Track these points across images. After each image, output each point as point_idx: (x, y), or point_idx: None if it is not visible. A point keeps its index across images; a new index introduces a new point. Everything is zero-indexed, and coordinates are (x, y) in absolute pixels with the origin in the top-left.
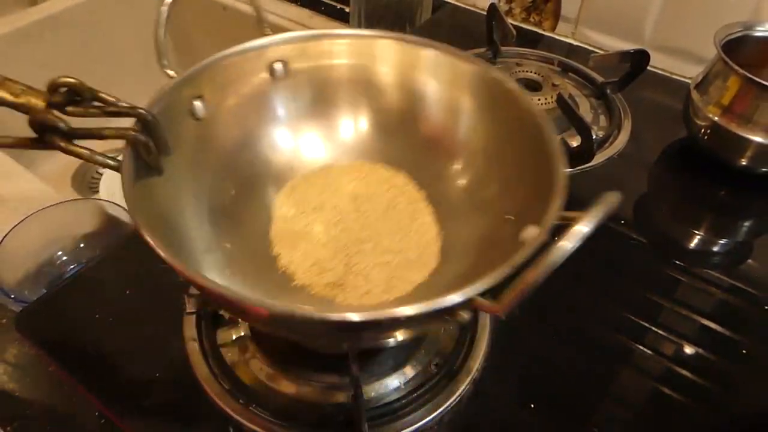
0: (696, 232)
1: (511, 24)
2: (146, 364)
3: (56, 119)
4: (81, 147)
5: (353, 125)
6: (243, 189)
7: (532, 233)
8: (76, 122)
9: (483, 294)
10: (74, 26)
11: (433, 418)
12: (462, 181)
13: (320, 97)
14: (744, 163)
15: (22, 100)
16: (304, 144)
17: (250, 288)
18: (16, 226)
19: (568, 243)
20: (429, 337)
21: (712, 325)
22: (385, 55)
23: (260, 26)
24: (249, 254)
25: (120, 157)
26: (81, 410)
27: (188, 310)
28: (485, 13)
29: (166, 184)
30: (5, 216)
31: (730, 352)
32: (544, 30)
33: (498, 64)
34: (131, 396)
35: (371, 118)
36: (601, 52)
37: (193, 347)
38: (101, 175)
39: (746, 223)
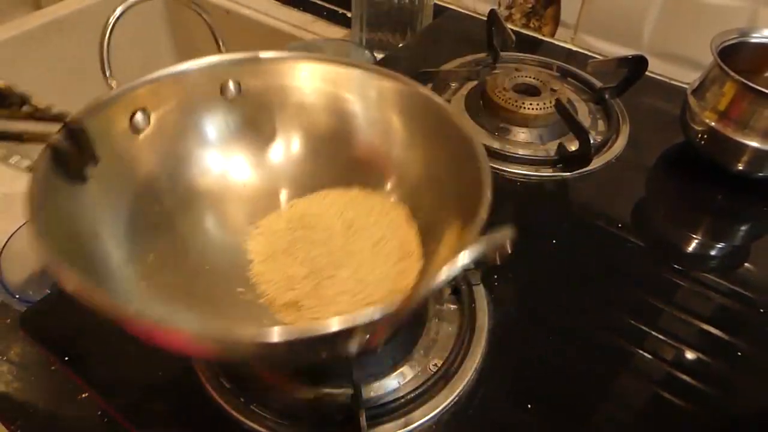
0: (693, 235)
1: (511, 29)
2: (149, 363)
3: None
4: None
5: (285, 148)
6: (172, 203)
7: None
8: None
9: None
10: (79, 30)
11: (431, 418)
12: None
13: (260, 118)
14: (741, 168)
15: None
16: (237, 165)
17: (167, 300)
18: (21, 226)
19: (434, 281)
20: (427, 337)
21: (709, 327)
22: (324, 77)
23: (216, 44)
24: (173, 266)
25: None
26: (84, 410)
27: None
28: (485, 18)
29: (87, 193)
30: (10, 217)
31: (727, 354)
32: (543, 35)
33: (498, 69)
34: (134, 395)
35: (304, 139)
36: (600, 57)
37: None
38: None
39: (743, 227)
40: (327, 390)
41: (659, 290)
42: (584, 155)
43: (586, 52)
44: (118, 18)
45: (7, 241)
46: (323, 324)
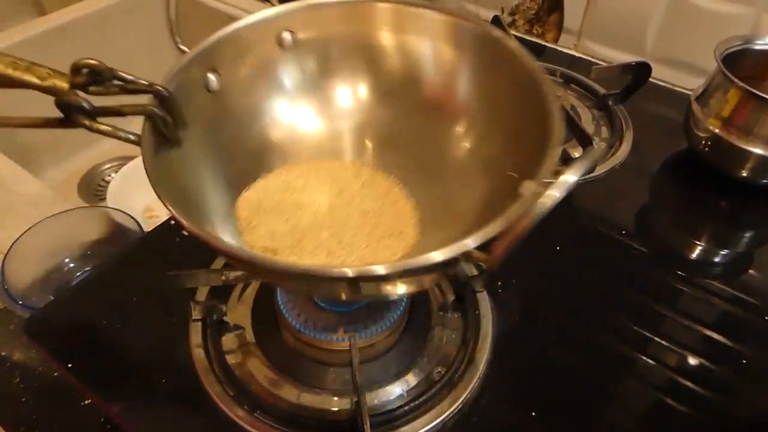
0: (697, 242)
1: (514, 35)
2: (153, 370)
3: (81, 99)
4: (104, 124)
5: (353, 93)
6: (255, 156)
7: (529, 187)
8: (98, 101)
9: (480, 248)
10: (82, 36)
11: (434, 426)
12: (465, 143)
13: (325, 65)
14: (744, 175)
15: (48, 83)
16: (307, 113)
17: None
18: (25, 232)
19: (555, 192)
20: (431, 344)
21: (713, 334)
22: (385, 19)
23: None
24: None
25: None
26: (86, 416)
27: (194, 317)
28: None
29: (184, 155)
30: (14, 223)
31: (731, 361)
32: (546, 42)
33: None
34: (137, 401)
35: (372, 84)
36: (603, 63)
37: (199, 354)
38: (107, 183)
39: (747, 234)
40: (331, 397)
41: (663, 297)
42: None
43: (589, 59)
44: None
45: (10, 248)
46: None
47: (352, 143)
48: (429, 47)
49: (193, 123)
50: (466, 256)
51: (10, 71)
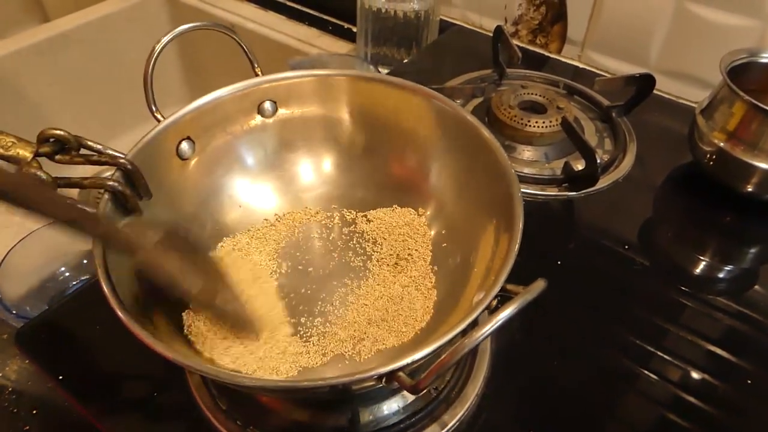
0: (701, 257)
1: (518, 46)
2: (145, 383)
3: (39, 173)
4: (63, 194)
5: (316, 168)
6: (218, 226)
7: (480, 301)
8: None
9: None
10: (85, 43)
11: None
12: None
13: (295, 138)
14: (750, 190)
15: (11, 152)
16: (273, 183)
17: None
18: (20, 241)
19: (486, 328)
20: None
21: (717, 350)
22: (357, 94)
23: (252, 67)
24: None
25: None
26: (80, 427)
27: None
28: (491, 35)
29: (140, 221)
30: (10, 231)
31: (735, 377)
32: (550, 52)
33: (503, 85)
34: (129, 415)
35: (337, 157)
36: (607, 75)
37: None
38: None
39: (752, 250)
40: (325, 413)
41: (666, 312)
42: (591, 175)
43: (593, 70)
44: (163, 48)
45: (4, 257)
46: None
47: (318, 215)
48: (404, 125)
49: (158, 192)
50: (392, 377)
51: None
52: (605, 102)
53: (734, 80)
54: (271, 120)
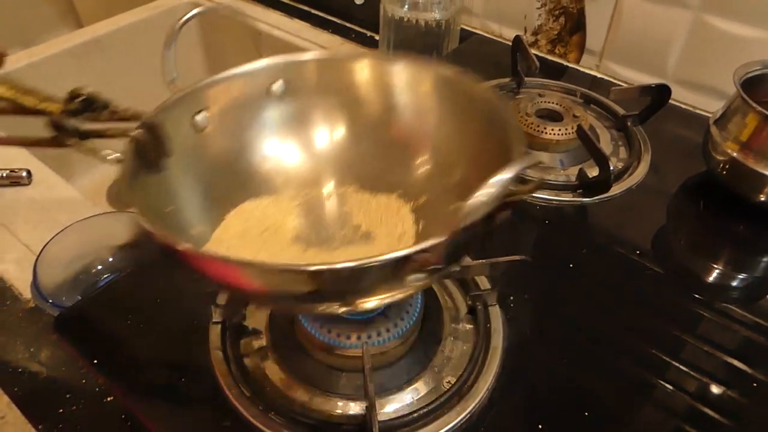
0: (714, 265)
1: (536, 55)
2: (173, 369)
3: (70, 121)
4: (89, 145)
5: (330, 134)
6: (235, 190)
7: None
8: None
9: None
10: (117, 48)
11: None
12: (433, 172)
13: (307, 111)
14: (763, 199)
15: (42, 106)
16: (288, 154)
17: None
18: (56, 234)
19: (490, 189)
20: (442, 354)
21: (727, 358)
22: (363, 71)
23: (258, 51)
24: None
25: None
26: (108, 413)
27: (214, 320)
28: (511, 44)
29: (163, 182)
30: (47, 225)
31: (746, 386)
32: (568, 62)
33: (521, 93)
34: (158, 398)
35: (348, 126)
36: (625, 84)
37: (218, 355)
38: None
39: (765, 259)
40: (342, 402)
41: (677, 319)
42: (604, 181)
43: (611, 80)
44: (182, 25)
45: (42, 250)
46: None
47: (330, 180)
48: (401, 93)
49: (176, 153)
50: (416, 257)
51: (9, 94)
52: (621, 111)
53: (748, 92)
54: (282, 98)
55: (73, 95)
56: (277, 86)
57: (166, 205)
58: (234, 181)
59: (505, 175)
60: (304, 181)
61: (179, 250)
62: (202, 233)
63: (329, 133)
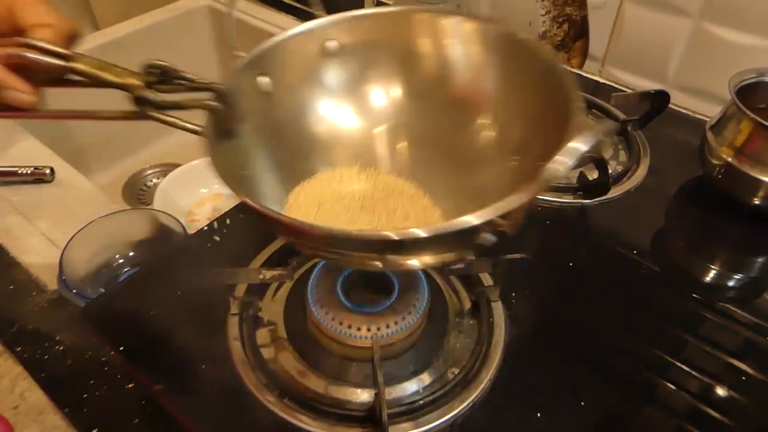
0: (709, 265)
1: None
2: (194, 357)
3: (151, 94)
4: (170, 116)
5: (387, 94)
6: (301, 149)
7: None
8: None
9: (502, 217)
10: (136, 49)
11: (446, 420)
12: (491, 135)
13: (363, 69)
14: (757, 203)
15: (125, 81)
16: (346, 112)
17: None
18: (81, 229)
19: (564, 158)
20: (447, 347)
21: (723, 355)
22: (418, 26)
23: (315, 9)
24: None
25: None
26: (129, 397)
27: (232, 311)
28: None
29: (239, 147)
30: (69, 220)
31: (740, 382)
32: (572, 67)
33: None
34: (179, 383)
35: (405, 86)
36: (627, 90)
37: (236, 345)
38: (149, 188)
39: (759, 259)
40: (353, 389)
41: (673, 316)
42: (603, 184)
43: (613, 85)
44: None
45: (68, 243)
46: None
47: (387, 140)
48: (458, 50)
49: (247, 118)
50: (492, 223)
51: (92, 70)
52: (621, 116)
53: (745, 98)
54: (338, 55)
55: (149, 67)
56: (332, 44)
57: (242, 168)
58: (298, 143)
59: (581, 146)
60: (363, 147)
61: (281, 221)
62: (274, 195)
63: (384, 94)
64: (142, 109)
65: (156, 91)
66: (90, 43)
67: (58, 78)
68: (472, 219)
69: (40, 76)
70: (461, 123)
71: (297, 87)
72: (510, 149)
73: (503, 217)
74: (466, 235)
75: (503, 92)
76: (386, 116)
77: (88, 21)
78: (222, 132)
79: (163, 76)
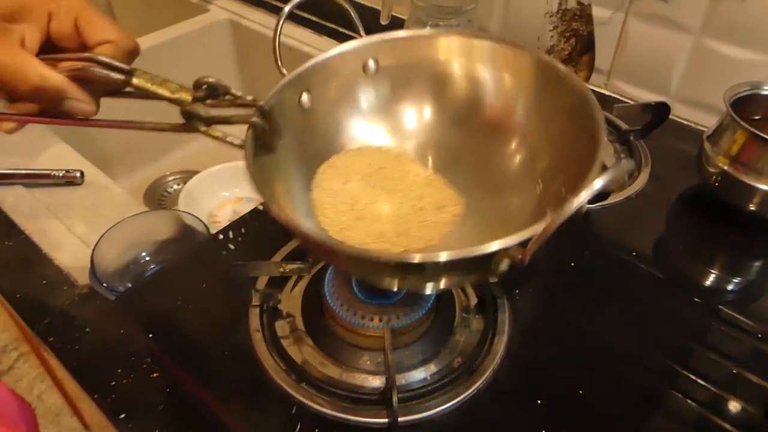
0: (709, 269)
1: None
2: (218, 345)
3: (200, 109)
4: (217, 131)
5: (419, 114)
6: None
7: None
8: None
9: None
10: (160, 62)
11: (453, 405)
12: (518, 160)
13: (397, 90)
14: (752, 209)
15: (176, 95)
16: (379, 131)
17: None
18: (109, 229)
19: (579, 196)
20: (453, 339)
21: (721, 358)
22: (452, 50)
23: (355, 28)
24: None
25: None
26: (154, 385)
27: (253, 303)
28: None
29: (276, 161)
30: (97, 220)
31: (739, 385)
32: None
33: None
34: (203, 370)
35: (436, 107)
36: (631, 101)
37: (257, 335)
38: (170, 193)
39: (756, 263)
40: (366, 375)
41: (671, 316)
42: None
43: (618, 96)
44: (288, 12)
45: (97, 242)
46: (481, 246)
47: (417, 160)
48: (490, 75)
49: (286, 134)
50: (507, 251)
51: (148, 85)
52: (624, 126)
53: (738, 110)
54: (376, 75)
55: (199, 83)
56: (372, 64)
57: (278, 182)
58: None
59: (603, 182)
60: (394, 161)
61: (307, 235)
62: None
63: (416, 114)
64: (191, 122)
65: (205, 104)
66: None
67: (116, 90)
68: (492, 245)
69: (101, 88)
70: (489, 146)
71: (335, 104)
72: (535, 176)
73: (522, 245)
74: (482, 262)
75: (533, 120)
76: (416, 136)
77: None
78: (262, 146)
79: (211, 92)
